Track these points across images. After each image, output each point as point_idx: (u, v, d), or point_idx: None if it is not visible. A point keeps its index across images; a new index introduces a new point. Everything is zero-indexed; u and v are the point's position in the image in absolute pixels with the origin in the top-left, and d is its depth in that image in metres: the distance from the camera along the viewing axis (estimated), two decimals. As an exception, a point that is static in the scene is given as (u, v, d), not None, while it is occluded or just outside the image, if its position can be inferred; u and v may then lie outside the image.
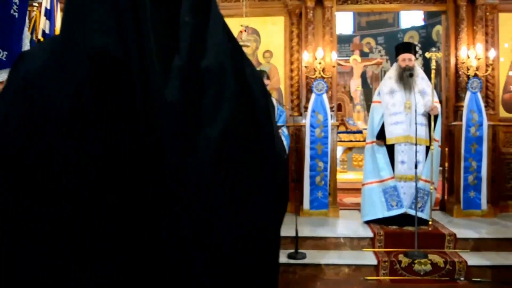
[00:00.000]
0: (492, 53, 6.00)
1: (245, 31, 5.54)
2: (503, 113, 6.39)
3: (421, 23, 15.06)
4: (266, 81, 5.18)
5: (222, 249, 0.92)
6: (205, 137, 0.88)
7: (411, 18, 15.24)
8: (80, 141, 0.85)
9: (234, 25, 6.28)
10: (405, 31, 15.21)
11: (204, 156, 0.88)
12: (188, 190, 0.88)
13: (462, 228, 5.29)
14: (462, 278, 4.68)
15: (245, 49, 5.49)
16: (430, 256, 4.80)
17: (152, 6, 0.88)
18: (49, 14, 3.60)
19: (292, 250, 4.93)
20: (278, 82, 6.50)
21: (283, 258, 4.85)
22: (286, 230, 5.15)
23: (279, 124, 5.19)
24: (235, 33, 5.34)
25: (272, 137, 1.02)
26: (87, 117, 0.85)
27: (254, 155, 0.97)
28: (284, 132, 5.26)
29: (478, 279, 4.67)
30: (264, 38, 6.54)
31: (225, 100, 0.91)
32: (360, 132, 8.93)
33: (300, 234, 4.94)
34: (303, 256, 4.87)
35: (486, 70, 6.10)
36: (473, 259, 4.81)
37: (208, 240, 0.91)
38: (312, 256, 4.92)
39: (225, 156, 0.90)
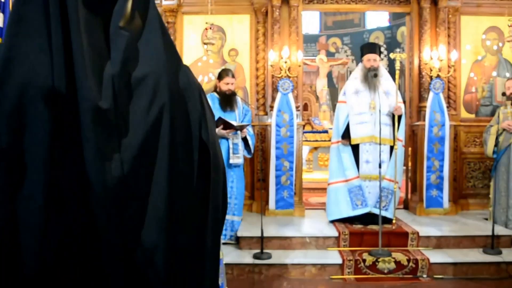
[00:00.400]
0: (454, 55, 6.12)
1: (210, 28, 5.47)
2: (464, 114, 6.53)
3: (387, 24, 15.29)
4: (231, 80, 5.13)
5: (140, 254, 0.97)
6: (128, 143, 0.93)
7: (377, 19, 15.45)
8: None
9: (200, 22, 6.23)
10: (370, 31, 15.41)
11: (124, 160, 0.93)
12: (109, 194, 0.92)
13: (425, 226, 5.37)
14: (424, 276, 4.75)
15: (210, 47, 5.45)
16: (394, 254, 4.86)
17: (87, 12, 0.92)
18: (3, 7, 3.46)
19: (258, 250, 4.90)
20: (243, 81, 6.45)
21: (248, 259, 4.82)
22: (252, 230, 5.13)
23: (244, 123, 5.16)
24: (200, 30, 5.32)
25: (206, 143, 1.06)
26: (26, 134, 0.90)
27: (185, 160, 1.02)
28: (249, 132, 5.22)
29: (440, 276, 4.75)
30: (229, 36, 6.48)
31: (154, 109, 0.96)
32: (325, 131, 8.97)
33: (265, 234, 4.91)
34: (269, 256, 4.85)
35: (448, 71, 6.22)
36: (435, 256, 4.89)
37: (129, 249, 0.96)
38: (278, 256, 4.90)
39: (146, 161, 0.96)
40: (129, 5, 0.97)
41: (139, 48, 0.97)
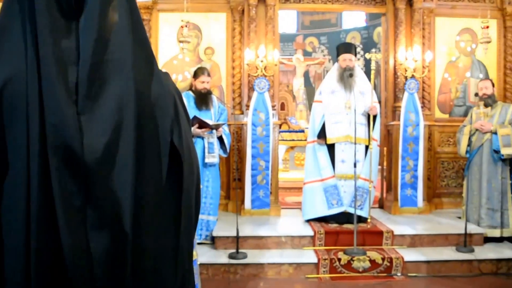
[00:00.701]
0: (428, 56, 6.18)
1: (186, 26, 5.41)
2: (438, 114, 6.62)
3: (363, 24, 15.39)
4: (206, 78, 5.08)
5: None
6: (92, 147, 0.95)
7: (354, 19, 15.54)
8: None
9: (175, 20, 6.16)
10: (347, 31, 15.49)
11: (88, 164, 0.96)
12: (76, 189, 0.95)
13: (400, 225, 5.41)
14: (399, 274, 4.79)
15: (186, 45, 5.39)
16: (369, 253, 4.88)
17: (61, 16, 0.95)
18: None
19: (233, 250, 4.87)
20: (219, 80, 6.40)
21: (224, 259, 4.79)
22: (227, 230, 5.09)
23: (219, 122, 5.12)
24: (176, 28, 5.25)
25: (180, 148, 1.07)
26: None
27: (153, 164, 1.03)
28: (225, 131, 5.18)
29: (414, 274, 4.80)
30: (206, 34, 6.42)
31: (119, 114, 0.98)
32: (302, 131, 8.99)
33: (241, 234, 4.89)
34: (244, 256, 4.83)
35: (423, 72, 6.28)
36: (410, 254, 4.94)
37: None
38: (253, 256, 4.88)
39: (110, 165, 0.98)
40: (101, 9, 0.99)
41: (110, 51, 0.99)
